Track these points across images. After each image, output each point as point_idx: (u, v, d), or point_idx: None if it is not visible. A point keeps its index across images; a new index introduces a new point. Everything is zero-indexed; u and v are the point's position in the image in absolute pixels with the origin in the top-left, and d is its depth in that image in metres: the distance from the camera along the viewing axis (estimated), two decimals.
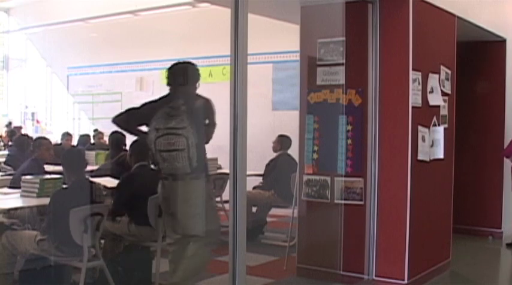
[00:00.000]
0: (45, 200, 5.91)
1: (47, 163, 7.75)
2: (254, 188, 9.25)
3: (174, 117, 5.50)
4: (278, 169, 9.19)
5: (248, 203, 8.41)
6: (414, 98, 6.56)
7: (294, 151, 7.30)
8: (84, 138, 12.32)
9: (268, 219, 9.55)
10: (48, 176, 6.72)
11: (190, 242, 5.70)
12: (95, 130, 12.71)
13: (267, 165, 9.31)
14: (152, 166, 6.47)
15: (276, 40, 10.79)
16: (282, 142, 9.26)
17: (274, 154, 9.35)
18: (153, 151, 5.64)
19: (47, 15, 14.81)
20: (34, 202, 6.35)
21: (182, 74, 5.81)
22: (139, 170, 6.71)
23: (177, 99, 5.64)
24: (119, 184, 6.73)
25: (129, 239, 6.50)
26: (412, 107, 6.52)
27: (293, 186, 7.97)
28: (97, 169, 8.40)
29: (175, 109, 5.55)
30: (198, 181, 5.68)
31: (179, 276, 5.75)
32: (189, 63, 5.99)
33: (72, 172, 5.96)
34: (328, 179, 6.89)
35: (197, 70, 5.97)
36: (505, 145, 9.19)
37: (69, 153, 6.85)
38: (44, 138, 8.28)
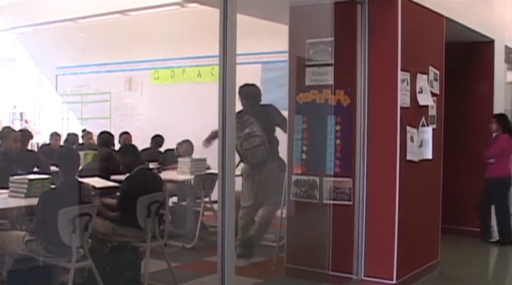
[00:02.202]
0: (34, 201, 5.89)
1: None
2: None
3: (246, 127, 7.63)
4: None
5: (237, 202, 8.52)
6: (403, 98, 6.58)
7: (282, 151, 7.31)
8: (72, 136, 12.28)
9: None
10: (36, 176, 6.69)
11: (262, 205, 7.94)
12: (83, 130, 12.67)
13: None
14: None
15: (264, 40, 10.79)
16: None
17: None
18: (241, 150, 7.59)
19: (36, 15, 14.77)
20: (22, 202, 6.31)
21: (247, 94, 7.68)
22: (142, 173, 6.74)
23: (245, 114, 7.65)
24: (122, 187, 6.75)
25: (115, 240, 6.50)
26: (401, 107, 6.53)
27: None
28: (81, 169, 8.36)
29: (244, 122, 7.59)
30: (273, 162, 7.84)
31: (254, 230, 7.94)
32: (252, 85, 7.98)
33: (66, 172, 5.95)
34: (317, 179, 6.90)
35: (259, 89, 8.12)
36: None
37: (66, 153, 6.82)
38: (13, 130, 8.27)
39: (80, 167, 8.39)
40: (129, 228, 6.41)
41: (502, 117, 9.28)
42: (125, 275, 6.41)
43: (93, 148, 10.22)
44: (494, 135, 9.24)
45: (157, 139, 10.85)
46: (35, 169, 7.82)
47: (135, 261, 6.57)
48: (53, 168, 7.43)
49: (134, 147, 7.44)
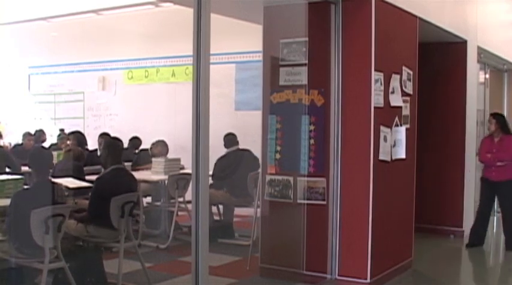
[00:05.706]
0: (6, 201, 5.82)
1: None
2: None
3: None
4: (232, 167, 9.13)
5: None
6: (376, 98, 6.60)
7: (256, 151, 7.31)
8: (39, 133, 12.07)
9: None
10: (9, 176, 6.63)
11: None
12: (62, 130, 12.53)
13: (215, 164, 9.09)
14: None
15: (238, 40, 10.78)
16: (227, 140, 9.15)
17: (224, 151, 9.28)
18: None
19: (7, 14, 14.64)
20: None
21: None
22: (116, 173, 6.68)
23: None
24: (95, 186, 6.67)
25: (88, 240, 6.46)
26: (374, 107, 6.56)
27: (250, 184, 7.98)
28: (54, 168, 8.29)
29: None
30: None
31: None
32: None
33: (38, 173, 5.89)
34: (291, 179, 6.90)
35: None
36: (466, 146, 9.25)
37: (39, 153, 6.73)
38: None
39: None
40: (103, 228, 6.36)
41: (502, 118, 8.91)
42: (90, 275, 6.34)
43: (66, 150, 10.12)
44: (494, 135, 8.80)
45: (135, 141, 10.78)
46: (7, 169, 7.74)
47: (97, 261, 6.50)
48: (26, 168, 7.36)
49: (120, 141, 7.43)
